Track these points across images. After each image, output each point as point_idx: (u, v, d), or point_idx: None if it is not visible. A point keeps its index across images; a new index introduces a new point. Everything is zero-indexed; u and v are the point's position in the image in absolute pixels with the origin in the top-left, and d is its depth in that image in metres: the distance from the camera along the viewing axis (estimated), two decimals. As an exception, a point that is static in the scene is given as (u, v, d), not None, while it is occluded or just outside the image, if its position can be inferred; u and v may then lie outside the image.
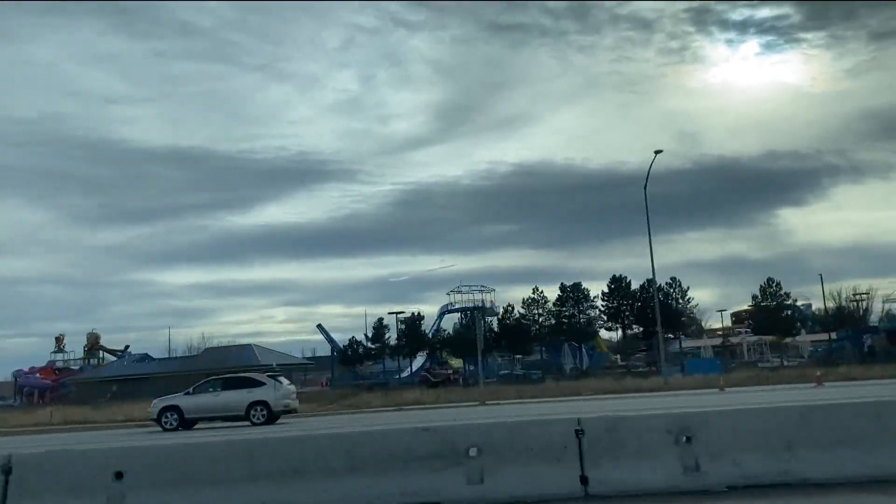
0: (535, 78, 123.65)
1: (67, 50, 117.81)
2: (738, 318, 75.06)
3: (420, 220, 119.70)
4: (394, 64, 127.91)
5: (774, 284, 63.88)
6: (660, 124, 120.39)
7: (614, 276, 69.21)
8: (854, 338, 62.40)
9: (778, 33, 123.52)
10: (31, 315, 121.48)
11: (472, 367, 65.57)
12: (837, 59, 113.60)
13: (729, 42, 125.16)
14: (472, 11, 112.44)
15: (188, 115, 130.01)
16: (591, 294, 69.63)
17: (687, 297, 68.16)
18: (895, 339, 58.77)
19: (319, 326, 76.57)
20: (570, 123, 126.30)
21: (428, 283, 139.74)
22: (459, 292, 74.45)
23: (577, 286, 69.72)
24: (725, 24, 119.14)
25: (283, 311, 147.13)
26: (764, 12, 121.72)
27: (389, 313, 72.40)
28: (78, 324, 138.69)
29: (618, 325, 69.55)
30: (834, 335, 64.29)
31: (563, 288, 70.22)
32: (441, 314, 75.04)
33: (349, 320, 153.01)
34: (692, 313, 69.46)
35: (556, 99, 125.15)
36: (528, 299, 71.54)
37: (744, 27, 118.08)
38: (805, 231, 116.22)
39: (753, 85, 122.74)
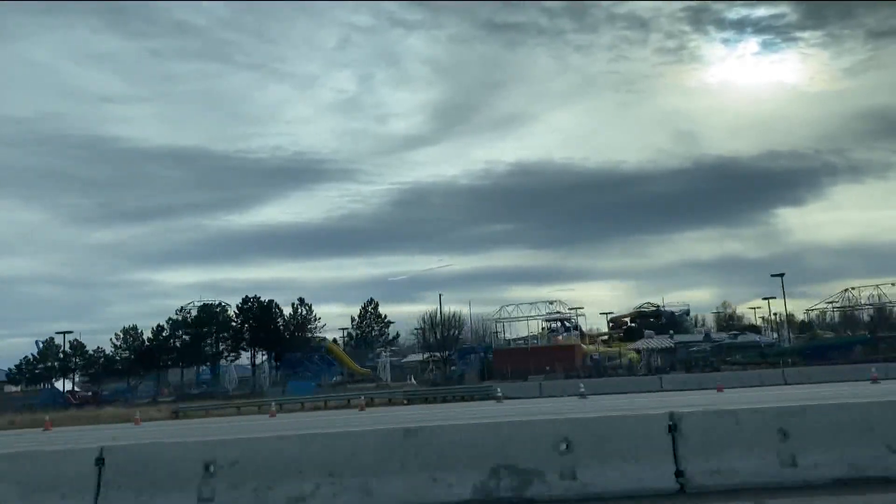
0: (533, 77, 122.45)
1: (63, 49, 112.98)
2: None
3: (418, 219, 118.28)
4: (391, 63, 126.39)
5: (373, 304, 69.80)
6: (658, 124, 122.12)
7: (246, 296, 71.80)
8: (462, 357, 69.26)
9: (775, 32, 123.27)
10: (28, 315, 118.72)
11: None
12: (835, 58, 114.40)
13: (726, 41, 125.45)
14: (469, 10, 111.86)
15: (185, 114, 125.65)
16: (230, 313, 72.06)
17: (316, 317, 72.46)
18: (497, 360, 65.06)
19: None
20: (567, 123, 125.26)
21: (427, 283, 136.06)
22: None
23: (209, 306, 71.65)
24: (722, 24, 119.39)
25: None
26: (760, 11, 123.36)
27: (57, 332, 70.84)
28: (76, 324, 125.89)
29: (246, 347, 71.77)
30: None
31: (201, 308, 72.07)
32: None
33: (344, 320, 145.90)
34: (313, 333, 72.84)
35: (553, 98, 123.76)
36: (170, 320, 72.77)
37: (741, 26, 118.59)
38: (803, 230, 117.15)
39: (751, 84, 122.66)
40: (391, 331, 72.38)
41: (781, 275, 74.00)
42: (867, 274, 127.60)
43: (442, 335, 68.76)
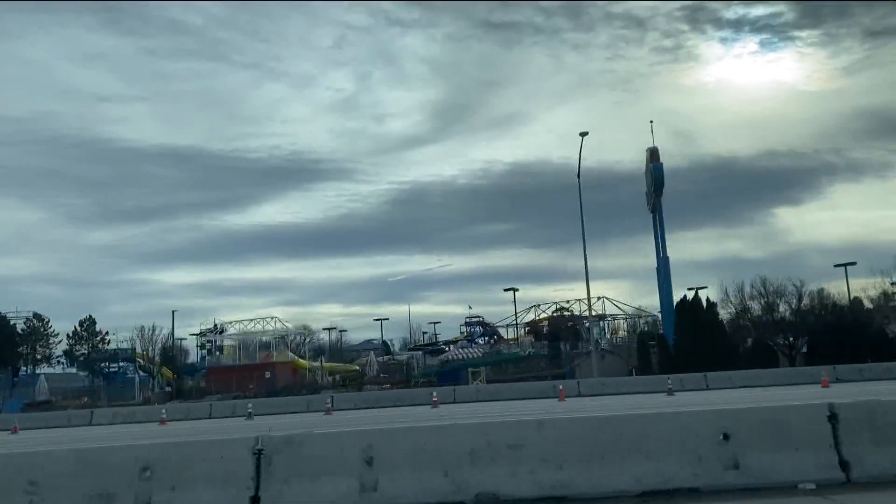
0: (529, 76, 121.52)
1: (58, 48, 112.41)
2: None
3: (417, 219, 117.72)
4: (388, 62, 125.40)
5: (89, 319, 70.02)
6: (656, 123, 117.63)
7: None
8: (191, 374, 69.67)
9: (772, 31, 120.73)
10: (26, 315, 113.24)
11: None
12: (832, 57, 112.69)
13: (723, 40, 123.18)
14: (465, 9, 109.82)
15: (181, 113, 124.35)
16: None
17: (54, 332, 72.69)
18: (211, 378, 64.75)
19: None
20: (565, 122, 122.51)
21: (426, 283, 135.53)
22: None
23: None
24: (719, 23, 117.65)
25: (281, 310, 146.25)
26: (758, 10, 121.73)
27: None
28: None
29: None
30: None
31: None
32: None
33: (345, 319, 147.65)
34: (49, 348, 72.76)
35: (550, 97, 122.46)
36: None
37: (738, 25, 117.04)
38: (802, 230, 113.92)
39: (749, 83, 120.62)
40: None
41: (515, 289, 75.74)
42: (865, 274, 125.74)
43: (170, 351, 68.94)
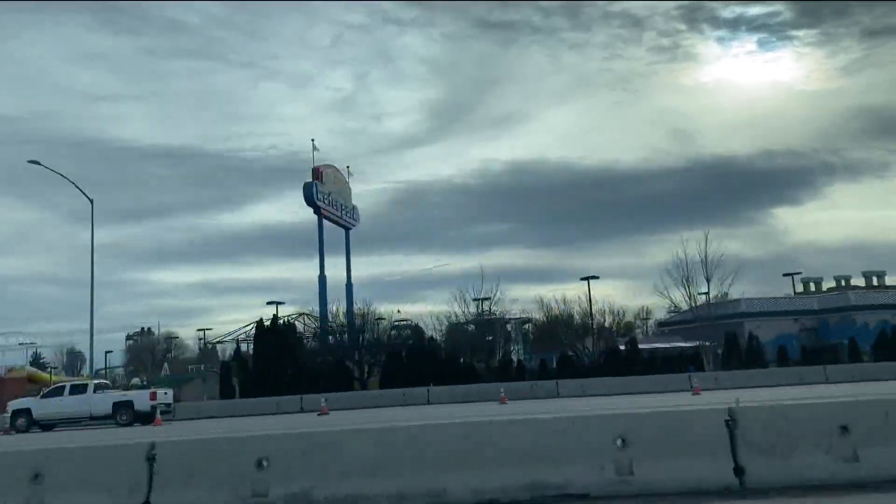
0: (527, 76, 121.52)
1: (56, 48, 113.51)
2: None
3: (415, 219, 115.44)
4: (386, 62, 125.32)
5: None
6: (653, 122, 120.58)
7: None
8: None
9: (770, 31, 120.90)
10: (24, 315, 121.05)
11: None
12: (830, 56, 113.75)
13: (721, 40, 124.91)
14: (463, 9, 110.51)
15: (178, 112, 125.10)
16: None
17: None
18: None
19: None
20: (563, 121, 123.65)
21: (424, 283, 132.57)
22: None
23: None
24: (717, 22, 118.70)
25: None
26: (755, 10, 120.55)
27: None
28: (72, 323, 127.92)
29: None
30: None
31: None
32: None
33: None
34: None
35: (548, 97, 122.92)
36: None
37: (736, 25, 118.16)
38: (801, 230, 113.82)
39: (747, 83, 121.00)
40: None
41: (279, 303, 75.10)
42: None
43: None
